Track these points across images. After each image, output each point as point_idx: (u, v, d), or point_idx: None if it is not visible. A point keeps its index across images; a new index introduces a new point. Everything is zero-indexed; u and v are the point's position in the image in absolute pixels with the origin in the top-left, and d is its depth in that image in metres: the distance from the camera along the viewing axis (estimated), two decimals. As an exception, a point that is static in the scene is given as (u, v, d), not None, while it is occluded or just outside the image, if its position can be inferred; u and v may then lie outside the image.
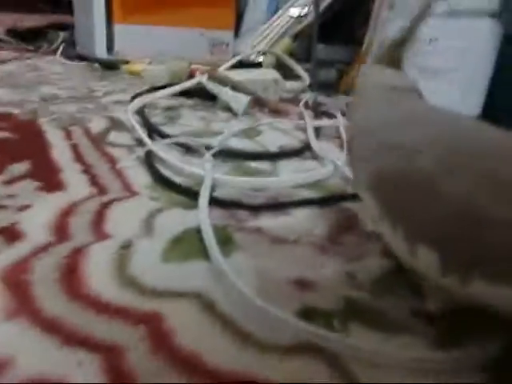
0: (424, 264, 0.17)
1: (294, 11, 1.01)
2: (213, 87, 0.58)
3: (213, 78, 0.59)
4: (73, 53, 0.99)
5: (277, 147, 0.45)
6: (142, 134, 0.41)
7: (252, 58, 0.94)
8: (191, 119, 0.53)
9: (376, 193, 0.19)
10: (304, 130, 0.50)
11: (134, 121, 0.44)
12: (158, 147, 0.38)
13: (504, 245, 0.14)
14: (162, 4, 0.90)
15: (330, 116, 0.58)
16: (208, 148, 0.39)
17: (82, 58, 0.91)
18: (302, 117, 0.55)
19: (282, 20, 1.02)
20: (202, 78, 0.59)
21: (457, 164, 0.16)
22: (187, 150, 0.41)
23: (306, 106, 0.61)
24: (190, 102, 0.60)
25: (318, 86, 0.71)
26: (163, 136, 0.43)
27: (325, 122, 0.53)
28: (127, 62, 0.87)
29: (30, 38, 1.18)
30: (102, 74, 0.81)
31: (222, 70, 0.65)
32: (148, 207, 0.29)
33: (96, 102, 0.60)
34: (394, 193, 0.18)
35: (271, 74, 0.64)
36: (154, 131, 0.44)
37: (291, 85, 0.67)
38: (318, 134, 0.49)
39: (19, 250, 0.23)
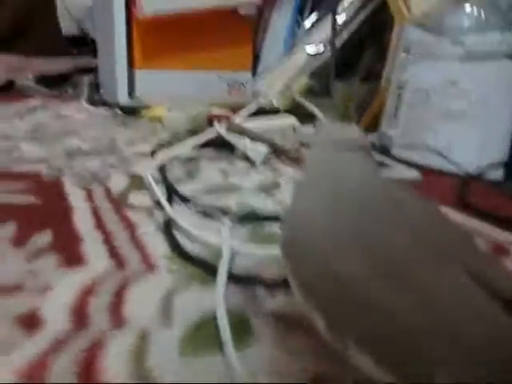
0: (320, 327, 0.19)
1: (311, 49, 1.03)
2: (231, 138, 0.59)
3: (230, 128, 0.60)
4: (96, 97, 1.02)
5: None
6: (162, 197, 0.42)
7: (269, 100, 0.95)
8: (210, 172, 0.54)
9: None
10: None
11: (153, 182, 0.45)
12: (178, 211, 0.39)
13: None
14: (181, 48, 0.92)
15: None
16: (226, 212, 0.39)
17: (104, 103, 0.94)
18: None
19: (299, 58, 1.03)
20: (220, 129, 0.60)
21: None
22: (206, 212, 0.41)
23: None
24: (208, 152, 0.61)
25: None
26: (182, 199, 0.44)
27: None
28: (148, 107, 0.89)
29: (56, 83, 1.23)
30: (123, 120, 0.83)
31: (239, 118, 0.66)
32: (165, 285, 0.30)
33: (118, 154, 0.61)
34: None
35: (288, 120, 0.64)
36: (173, 193, 0.45)
37: (309, 130, 0.67)
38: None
39: (38, 343, 0.24)
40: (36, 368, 0.22)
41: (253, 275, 0.31)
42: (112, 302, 0.28)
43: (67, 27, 1.76)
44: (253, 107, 0.70)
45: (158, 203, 0.43)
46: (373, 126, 0.75)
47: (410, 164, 0.58)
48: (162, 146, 0.64)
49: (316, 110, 0.75)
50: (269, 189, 0.49)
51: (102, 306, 0.27)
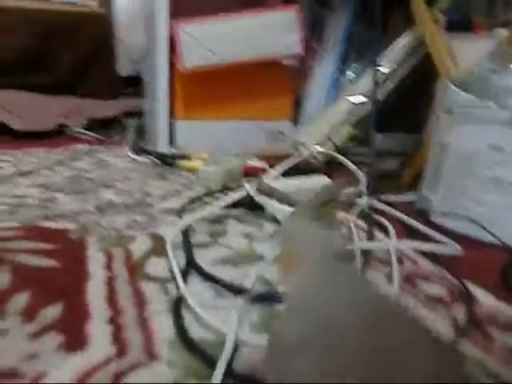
0: None
1: (355, 98, 1.01)
2: (260, 199, 0.58)
3: (260, 188, 0.59)
4: (139, 143, 1.05)
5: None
6: (176, 270, 0.41)
7: (309, 151, 0.94)
8: (235, 237, 0.53)
9: None
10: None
11: (171, 253, 0.45)
12: (192, 284, 0.38)
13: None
14: (221, 98, 0.94)
15: (384, 229, 0.55)
16: (240, 291, 0.38)
17: (146, 151, 0.96)
18: (353, 229, 0.53)
19: (342, 107, 1.02)
20: (250, 189, 0.59)
21: None
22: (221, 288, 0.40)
23: (360, 213, 0.59)
24: (238, 211, 0.60)
25: (378, 178, 0.69)
26: (199, 271, 0.43)
27: (375, 244, 0.50)
28: (187, 157, 0.90)
29: (107, 126, 1.29)
30: (161, 170, 0.85)
31: (273, 174, 0.65)
32: (162, 378, 0.28)
33: (147, 210, 0.61)
34: None
35: (321, 181, 0.62)
36: (190, 264, 0.44)
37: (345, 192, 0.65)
38: (367, 260, 0.46)
39: None
40: None
41: (253, 375, 0.29)
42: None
43: (124, 67, 1.86)
44: (288, 164, 0.69)
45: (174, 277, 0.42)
46: (414, 183, 0.72)
47: (449, 233, 0.54)
48: (192, 202, 0.65)
49: (355, 168, 0.72)
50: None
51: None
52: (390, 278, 0.43)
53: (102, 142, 1.11)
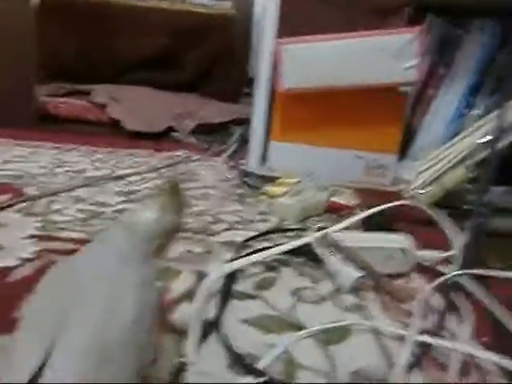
0: None
1: (480, 136, 0.89)
2: (321, 252, 0.54)
3: (324, 241, 0.54)
4: (237, 156, 1.06)
5: (348, 373, 0.37)
6: (192, 333, 0.39)
7: (413, 191, 0.85)
8: (282, 292, 0.49)
9: None
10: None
11: (197, 307, 0.42)
12: (209, 347, 0.36)
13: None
14: (321, 123, 0.90)
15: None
16: (253, 370, 0.35)
17: (236, 167, 0.96)
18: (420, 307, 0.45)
19: (463, 145, 0.91)
20: (311, 239, 0.55)
21: None
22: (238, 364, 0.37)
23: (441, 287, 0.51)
24: (296, 260, 0.56)
25: (488, 240, 0.59)
26: (223, 338, 0.40)
27: (435, 340, 0.42)
28: (275, 179, 0.88)
29: (215, 132, 1.33)
30: (243, 191, 0.84)
31: (340, 228, 0.59)
32: None
33: (207, 240, 0.61)
34: None
35: (400, 242, 0.55)
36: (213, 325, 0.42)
37: (426, 255, 0.57)
38: (419, 356, 0.39)
39: None
40: None
41: None
42: None
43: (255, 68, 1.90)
44: (361, 216, 0.62)
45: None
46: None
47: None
48: (258, 237, 0.62)
49: (449, 227, 0.63)
50: (332, 337, 0.41)
51: None
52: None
53: (202, 150, 1.14)
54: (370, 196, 0.87)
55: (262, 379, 0.33)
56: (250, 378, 0.34)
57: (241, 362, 0.36)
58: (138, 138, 1.20)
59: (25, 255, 0.51)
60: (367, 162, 0.91)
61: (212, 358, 0.37)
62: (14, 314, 0.39)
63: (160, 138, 1.23)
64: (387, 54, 0.83)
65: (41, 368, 0.22)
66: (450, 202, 0.78)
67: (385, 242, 0.55)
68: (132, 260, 0.30)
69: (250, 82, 1.86)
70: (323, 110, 0.89)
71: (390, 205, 0.62)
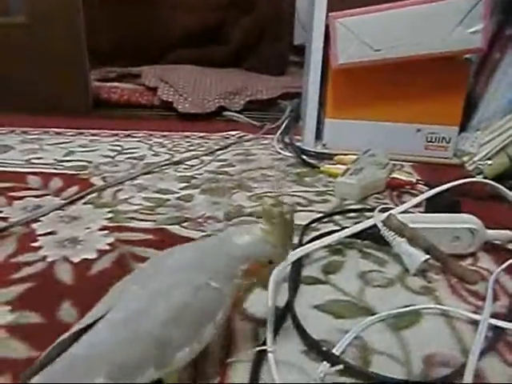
0: None
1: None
2: (387, 234, 0.55)
3: (388, 223, 0.55)
4: (291, 132, 1.06)
5: (421, 358, 0.39)
6: (270, 320, 0.41)
7: (475, 164, 0.83)
8: (350, 276, 0.51)
9: None
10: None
11: (271, 294, 0.44)
12: (283, 335, 0.38)
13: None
14: (377, 98, 0.88)
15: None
16: (328, 356, 0.37)
17: (291, 144, 0.97)
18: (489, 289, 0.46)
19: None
20: (377, 221, 0.56)
21: None
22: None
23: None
24: (361, 243, 0.58)
25: None
26: (294, 320, 0.42)
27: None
28: (332, 157, 0.89)
29: (264, 108, 1.34)
30: (301, 171, 0.85)
31: (403, 209, 0.60)
32: None
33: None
34: None
35: (467, 221, 0.55)
36: (289, 309, 0.44)
37: (495, 235, 0.57)
38: (495, 339, 0.40)
39: None
40: None
41: None
42: None
43: (299, 36, 1.88)
44: (424, 197, 0.62)
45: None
46: None
47: None
48: (320, 219, 0.64)
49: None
50: (400, 323, 0.43)
51: None
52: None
53: (254, 129, 1.15)
54: (431, 171, 0.86)
55: (340, 366, 0.35)
56: (326, 365, 0.37)
57: (317, 349, 0.38)
58: (190, 119, 1.23)
59: (101, 247, 0.55)
60: (426, 136, 0.90)
61: (287, 345, 0.39)
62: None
63: (212, 118, 1.25)
64: (449, 20, 0.80)
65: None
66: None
67: (451, 223, 0.56)
68: (213, 273, 0.33)
69: (295, 50, 1.85)
70: (379, 84, 0.87)
71: (455, 183, 0.61)
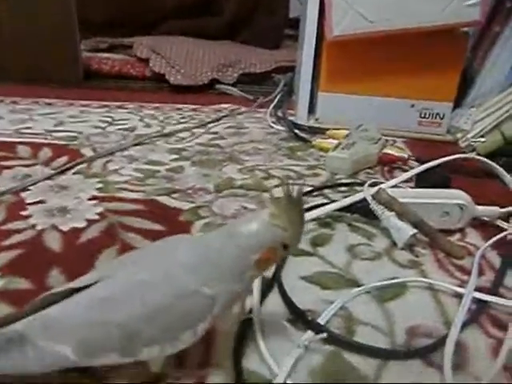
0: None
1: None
2: (376, 208, 0.55)
3: (377, 197, 0.55)
4: (283, 105, 1.06)
5: (405, 329, 0.39)
6: (256, 290, 0.42)
7: (467, 141, 0.83)
8: (338, 249, 0.51)
9: None
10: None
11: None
12: (270, 303, 0.39)
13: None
14: (371, 72, 0.88)
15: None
16: (312, 325, 0.37)
17: (283, 118, 0.97)
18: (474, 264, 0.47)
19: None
20: (367, 194, 0.56)
21: None
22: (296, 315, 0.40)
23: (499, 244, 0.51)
24: (349, 216, 0.58)
25: None
26: (280, 290, 0.43)
27: (499, 300, 0.43)
28: (324, 131, 0.89)
29: (257, 82, 1.32)
30: (293, 145, 0.85)
31: (394, 183, 0.60)
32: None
33: (261, 197, 0.63)
34: None
35: (457, 197, 0.56)
36: (276, 279, 0.44)
37: (485, 211, 0.57)
38: (477, 313, 0.41)
39: None
40: None
41: None
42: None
43: (294, 9, 1.85)
44: (415, 172, 0.62)
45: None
46: None
47: None
48: (310, 193, 0.64)
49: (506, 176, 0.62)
50: (385, 295, 0.44)
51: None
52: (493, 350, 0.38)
53: (247, 102, 1.14)
54: (423, 147, 0.86)
55: (323, 335, 0.36)
56: (310, 333, 0.37)
57: (303, 318, 0.39)
58: (182, 92, 1.22)
59: (91, 217, 0.55)
60: (420, 111, 0.89)
61: (274, 315, 0.40)
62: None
63: (204, 90, 1.24)
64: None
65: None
66: (509, 153, 0.76)
67: (440, 198, 0.56)
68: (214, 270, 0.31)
69: (290, 23, 1.82)
70: (373, 58, 0.86)
71: (445, 159, 0.62)
